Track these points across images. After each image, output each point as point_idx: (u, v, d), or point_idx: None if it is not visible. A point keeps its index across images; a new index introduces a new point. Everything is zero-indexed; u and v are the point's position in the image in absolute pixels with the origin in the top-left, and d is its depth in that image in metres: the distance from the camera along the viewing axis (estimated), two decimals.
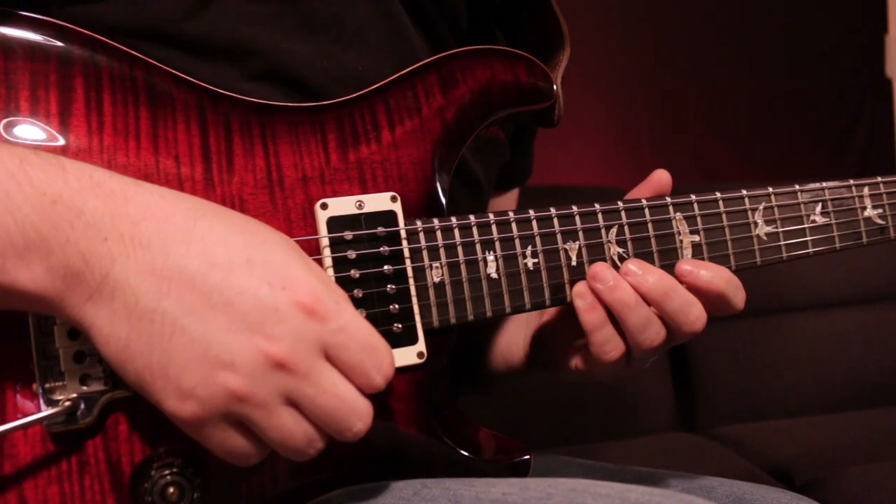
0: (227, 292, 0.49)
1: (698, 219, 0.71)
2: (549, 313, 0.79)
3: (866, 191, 0.79)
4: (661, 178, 0.75)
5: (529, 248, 0.66)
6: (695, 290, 0.67)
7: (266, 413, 0.50)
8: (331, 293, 0.52)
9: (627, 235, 0.69)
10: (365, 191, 0.63)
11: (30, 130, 0.55)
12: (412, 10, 0.74)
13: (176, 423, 0.51)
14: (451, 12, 0.79)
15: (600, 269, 0.66)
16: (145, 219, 0.49)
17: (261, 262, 0.50)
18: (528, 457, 0.67)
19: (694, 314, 0.66)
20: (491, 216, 0.66)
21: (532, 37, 0.83)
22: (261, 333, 0.49)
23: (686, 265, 0.67)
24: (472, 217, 0.65)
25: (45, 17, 0.57)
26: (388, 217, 0.62)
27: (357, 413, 0.52)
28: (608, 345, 0.67)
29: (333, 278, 0.60)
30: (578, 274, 0.68)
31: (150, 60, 0.59)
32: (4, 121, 0.55)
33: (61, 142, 0.55)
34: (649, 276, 0.66)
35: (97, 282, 0.48)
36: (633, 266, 0.66)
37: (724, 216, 0.72)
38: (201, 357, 0.48)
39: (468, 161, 0.78)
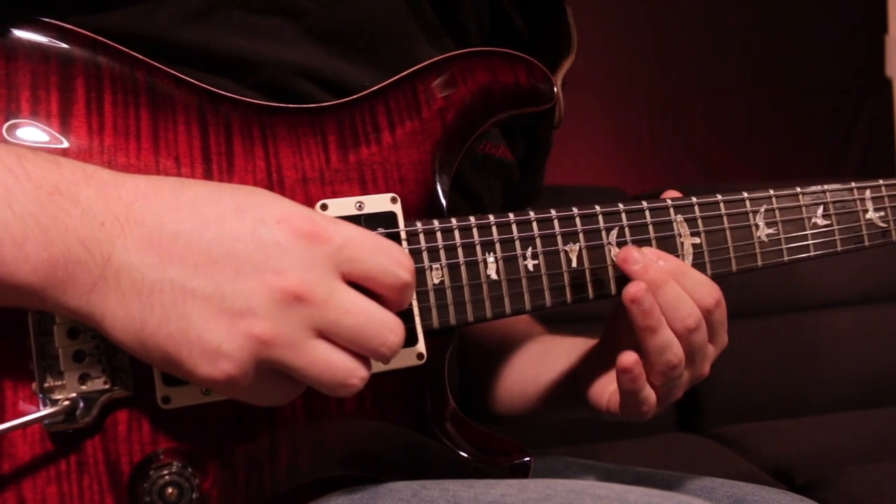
0: (225, 242, 0.49)
1: (699, 221, 0.71)
2: (586, 351, 0.79)
3: (868, 193, 0.79)
4: (672, 197, 0.74)
5: (530, 249, 0.66)
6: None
7: (297, 352, 0.49)
8: (325, 215, 0.52)
9: (628, 237, 0.69)
10: (365, 192, 0.63)
11: (30, 131, 0.55)
12: (444, 18, 0.74)
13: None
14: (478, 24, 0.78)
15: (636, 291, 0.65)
16: (136, 199, 0.50)
17: (250, 207, 0.51)
18: (528, 458, 0.67)
19: (685, 310, 0.66)
20: (491, 217, 0.65)
21: (542, 41, 0.83)
22: (269, 271, 0.49)
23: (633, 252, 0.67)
24: (472, 218, 0.65)
25: (46, 19, 0.57)
26: (387, 218, 0.62)
27: (387, 325, 0.51)
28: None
29: None
30: (579, 276, 0.68)
31: (151, 62, 0.59)
32: (5, 121, 0.54)
33: (62, 142, 0.55)
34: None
35: (100, 267, 0.48)
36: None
37: (724, 218, 0.72)
38: (218, 311, 0.48)
39: (470, 178, 0.78)
